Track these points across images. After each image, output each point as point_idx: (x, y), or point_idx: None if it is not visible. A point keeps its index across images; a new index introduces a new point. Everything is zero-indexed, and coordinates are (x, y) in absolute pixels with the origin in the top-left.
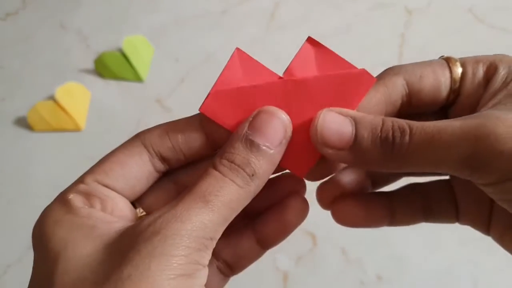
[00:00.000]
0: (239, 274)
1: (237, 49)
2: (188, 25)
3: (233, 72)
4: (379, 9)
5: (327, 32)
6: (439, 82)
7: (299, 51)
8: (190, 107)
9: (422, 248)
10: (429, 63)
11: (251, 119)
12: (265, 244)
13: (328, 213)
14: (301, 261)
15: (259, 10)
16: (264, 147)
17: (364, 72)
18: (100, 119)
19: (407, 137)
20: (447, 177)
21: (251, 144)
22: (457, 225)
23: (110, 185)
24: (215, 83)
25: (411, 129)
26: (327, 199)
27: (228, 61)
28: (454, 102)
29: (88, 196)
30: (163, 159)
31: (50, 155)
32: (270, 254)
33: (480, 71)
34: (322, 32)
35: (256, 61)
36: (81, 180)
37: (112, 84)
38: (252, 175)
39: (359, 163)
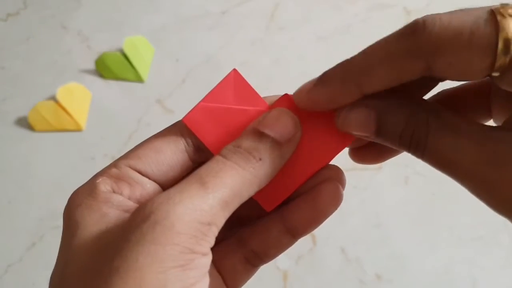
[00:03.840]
0: None
1: (234, 70)
2: (189, 25)
3: (225, 91)
4: (379, 10)
5: (327, 32)
6: (473, 73)
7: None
8: (190, 108)
9: (422, 248)
10: (468, 41)
11: (261, 118)
12: (295, 233)
13: None
14: (301, 260)
15: (259, 11)
16: (274, 139)
17: (348, 139)
18: (101, 120)
19: (421, 150)
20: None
21: (261, 135)
22: (456, 225)
23: (142, 170)
24: (204, 98)
25: (426, 145)
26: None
27: (222, 80)
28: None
29: (117, 180)
30: (199, 149)
31: (51, 155)
32: None
33: None
34: (322, 32)
35: (250, 86)
36: (114, 164)
37: (112, 85)
38: (260, 159)
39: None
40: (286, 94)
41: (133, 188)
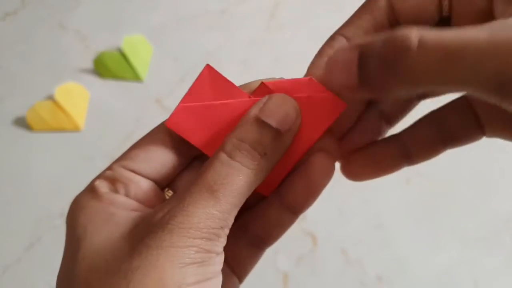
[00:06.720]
0: None
1: (208, 65)
2: (188, 24)
3: (202, 88)
4: None
5: (327, 32)
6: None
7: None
8: None
9: (423, 249)
10: None
11: (261, 104)
12: (294, 210)
13: (328, 213)
14: (301, 261)
15: (258, 10)
16: (276, 129)
17: (334, 97)
18: (99, 119)
19: (414, 51)
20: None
21: (263, 125)
22: (458, 226)
23: (136, 170)
24: (183, 98)
25: (421, 44)
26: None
27: (197, 77)
28: (451, 15)
29: (113, 181)
30: (187, 143)
31: (49, 155)
32: (270, 255)
33: None
34: (322, 32)
35: (226, 79)
36: (109, 167)
37: (111, 84)
38: (265, 154)
39: (370, 92)
40: (262, 83)
41: (128, 187)
